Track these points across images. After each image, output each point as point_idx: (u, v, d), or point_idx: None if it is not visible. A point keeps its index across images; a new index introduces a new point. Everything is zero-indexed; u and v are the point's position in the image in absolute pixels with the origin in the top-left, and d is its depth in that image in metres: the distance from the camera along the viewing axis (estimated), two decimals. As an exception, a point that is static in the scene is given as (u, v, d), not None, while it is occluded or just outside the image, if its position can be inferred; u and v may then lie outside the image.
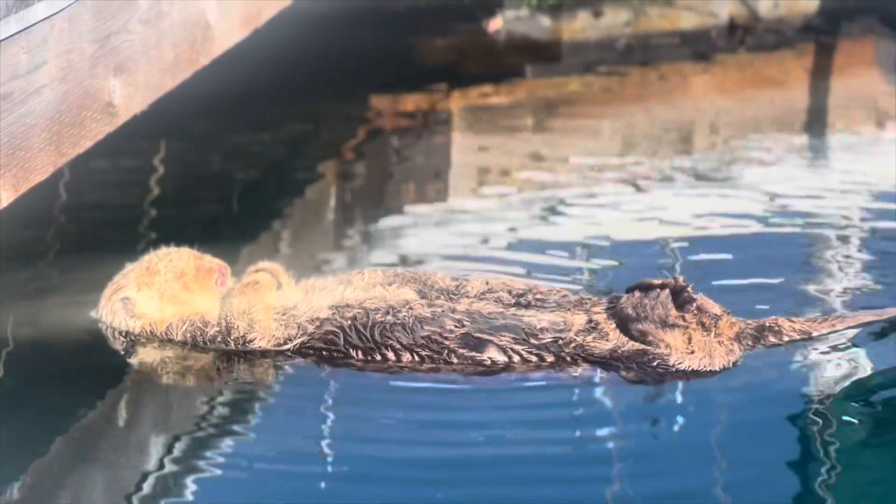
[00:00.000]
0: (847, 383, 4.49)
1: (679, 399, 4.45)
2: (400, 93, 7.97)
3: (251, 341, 4.72)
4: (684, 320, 4.60)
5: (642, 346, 4.57)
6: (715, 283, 5.17)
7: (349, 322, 4.67)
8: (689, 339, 4.57)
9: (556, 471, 4.08)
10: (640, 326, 4.59)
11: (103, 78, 5.07)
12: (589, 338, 4.59)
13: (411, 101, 7.87)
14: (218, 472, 4.09)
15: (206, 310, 4.80)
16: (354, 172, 6.93)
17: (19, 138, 4.57)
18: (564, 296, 4.75)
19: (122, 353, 4.80)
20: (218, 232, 5.98)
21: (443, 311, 4.65)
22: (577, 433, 4.27)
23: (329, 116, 7.68)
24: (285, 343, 4.71)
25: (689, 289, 4.64)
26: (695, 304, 4.62)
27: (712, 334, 4.60)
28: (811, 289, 5.21)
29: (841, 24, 9.08)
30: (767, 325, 4.72)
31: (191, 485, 4.03)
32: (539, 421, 4.33)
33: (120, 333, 4.86)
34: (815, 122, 7.73)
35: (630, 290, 4.69)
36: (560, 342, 4.58)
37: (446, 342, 4.60)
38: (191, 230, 5.91)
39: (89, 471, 4.14)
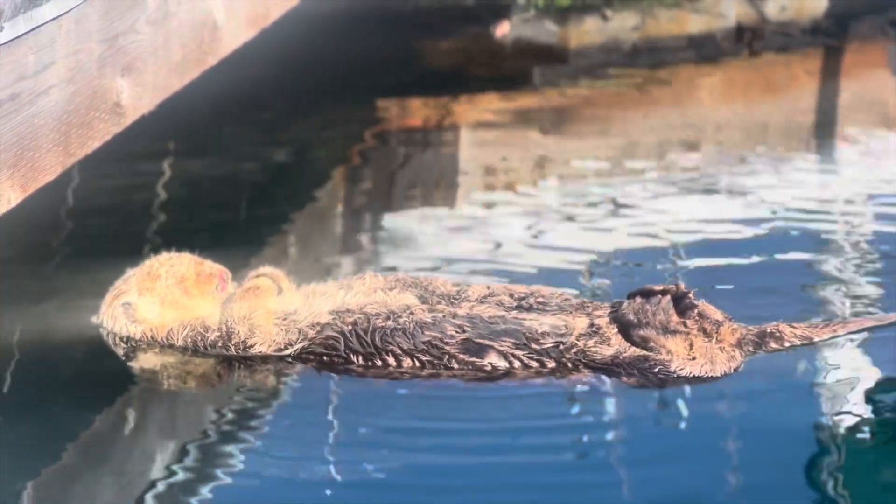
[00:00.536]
0: (849, 389, 4.48)
1: (680, 405, 4.45)
2: (406, 96, 7.96)
3: (252, 346, 4.72)
4: (686, 326, 4.59)
5: (644, 352, 4.57)
6: (717, 288, 5.18)
7: (350, 327, 4.66)
8: (691, 346, 4.57)
9: (558, 477, 4.08)
10: (641, 332, 4.59)
11: (111, 78, 5.07)
12: (590, 343, 4.59)
13: (418, 105, 7.86)
14: (224, 478, 4.09)
15: (206, 315, 4.80)
16: (362, 177, 6.92)
17: (28, 139, 4.58)
18: (566, 299, 4.75)
19: (124, 358, 4.81)
20: (225, 236, 5.98)
21: (444, 317, 4.64)
22: (579, 439, 4.26)
23: (336, 120, 7.68)
24: (286, 348, 4.70)
25: (690, 295, 4.63)
26: (696, 310, 4.62)
27: (714, 340, 4.60)
28: (813, 294, 5.21)
29: (849, 27, 9.05)
30: (769, 330, 4.71)
31: (197, 491, 4.03)
32: (540, 428, 4.32)
33: (121, 339, 4.87)
34: (823, 125, 7.72)
35: (631, 296, 4.68)
36: (561, 347, 4.58)
37: (447, 347, 4.60)
38: (198, 235, 5.91)
39: (97, 476, 4.15)
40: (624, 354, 4.57)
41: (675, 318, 4.60)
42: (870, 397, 4.46)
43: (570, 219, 6.16)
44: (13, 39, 4.46)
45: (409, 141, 7.38)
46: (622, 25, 8.76)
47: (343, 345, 4.65)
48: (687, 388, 4.50)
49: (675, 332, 4.58)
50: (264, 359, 4.71)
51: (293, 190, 6.67)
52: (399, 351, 4.61)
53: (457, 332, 4.61)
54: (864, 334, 4.79)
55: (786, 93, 8.30)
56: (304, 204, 6.48)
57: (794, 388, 4.53)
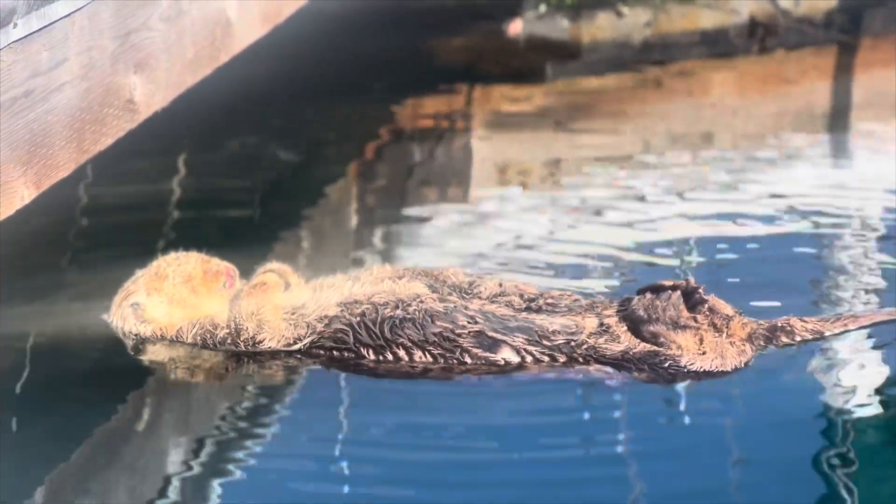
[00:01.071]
0: (860, 383, 4.48)
1: (691, 400, 4.45)
2: (420, 93, 7.97)
3: (261, 342, 4.73)
4: (696, 321, 4.59)
5: (654, 348, 4.57)
6: (727, 282, 5.19)
7: (358, 318, 4.64)
8: (701, 340, 4.57)
9: (569, 473, 4.08)
10: (651, 328, 4.59)
11: (124, 75, 5.07)
12: (601, 340, 4.59)
13: (432, 102, 7.87)
14: (238, 474, 4.09)
15: (215, 312, 4.82)
16: (375, 174, 6.93)
17: (41, 135, 4.59)
18: (576, 300, 4.75)
19: (135, 357, 4.83)
20: (239, 234, 5.99)
21: (455, 307, 4.63)
22: (589, 435, 4.27)
23: (349, 117, 7.69)
24: (295, 343, 4.70)
25: (700, 290, 4.63)
26: (706, 305, 4.61)
27: (724, 335, 4.60)
28: (824, 288, 5.21)
29: (863, 21, 9.03)
30: (780, 325, 4.71)
31: (211, 487, 4.04)
32: (551, 423, 4.33)
33: (131, 338, 4.89)
34: (836, 120, 7.71)
35: (641, 292, 4.68)
36: (572, 344, 4.59)
37: (459, 339, 4.60)
38: (212, 232, 5.94)
39: (110, 474, 4.15)
40: (634, 350, 4.57)
41: (685, 313, 4.60)
42: (881, 392, 4.46)
43: (584, 214, 6.16)
44: (26, 36, 4.47)
45: (421, 137, 7.38)
46: (635, 21, 8.75)
47: (352, 337, 4.63)
48: (697, 383, 4.50)
49: (685, 328, 4.58)
50: (274, 354, 4.71)
51: (307, 187, 6.68)
52: (409, 343, 4.60)
53: (469, 322, 4.60)
54: (876, 329, 4.78)
55: (798, 87, 8.29)
56: (317, 201, 6.49)
57: (804, 382, 4.52)
